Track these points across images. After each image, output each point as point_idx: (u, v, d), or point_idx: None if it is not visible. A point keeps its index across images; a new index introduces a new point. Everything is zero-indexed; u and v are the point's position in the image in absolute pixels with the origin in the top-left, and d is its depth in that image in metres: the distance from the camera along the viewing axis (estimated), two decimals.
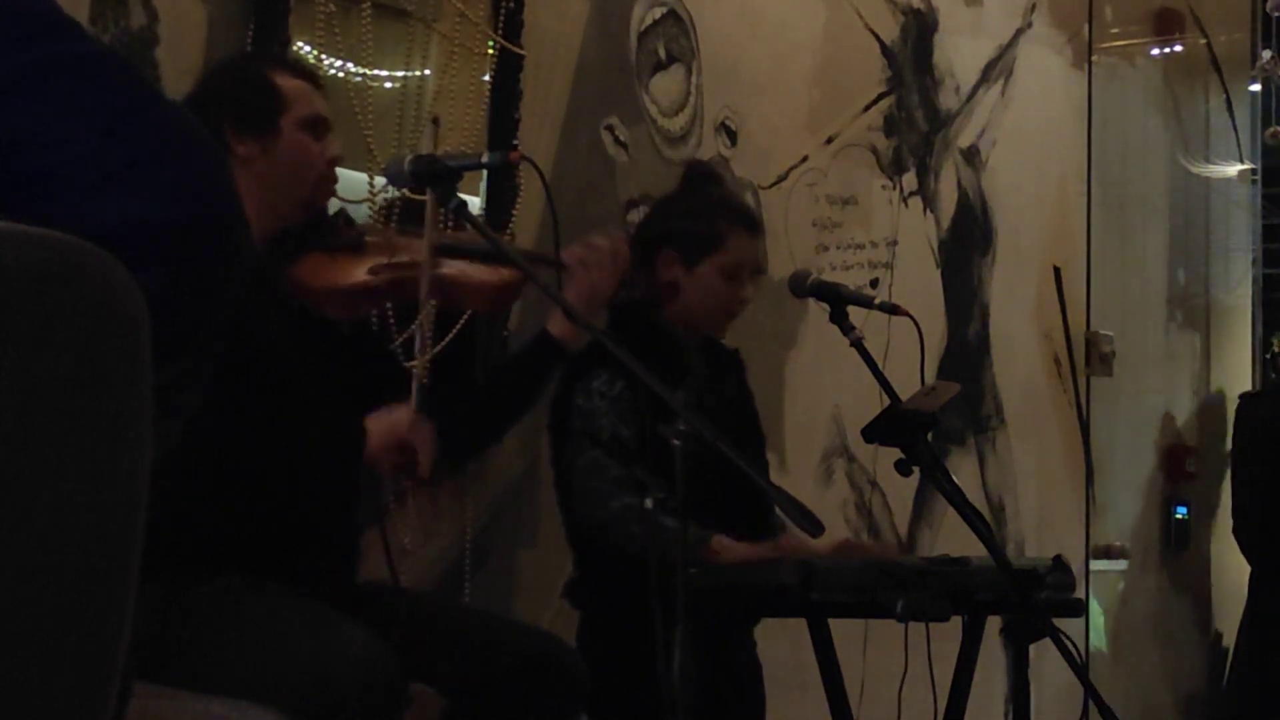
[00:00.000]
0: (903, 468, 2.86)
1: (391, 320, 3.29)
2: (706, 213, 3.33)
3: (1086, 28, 6.15)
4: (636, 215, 4.09)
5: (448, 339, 3.45)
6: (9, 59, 1.14)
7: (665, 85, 4.28)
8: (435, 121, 3.25)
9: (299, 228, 2.74)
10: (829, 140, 4.88)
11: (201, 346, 1.20)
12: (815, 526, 2.56)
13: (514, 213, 3.65)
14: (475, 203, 3.60)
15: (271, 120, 2.71)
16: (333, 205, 3.02)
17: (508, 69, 3.73)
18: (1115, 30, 6.41)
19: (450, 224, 3.03)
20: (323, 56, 3.32)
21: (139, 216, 1.14)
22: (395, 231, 3.05)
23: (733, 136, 4.50)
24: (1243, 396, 6.19)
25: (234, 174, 1.24)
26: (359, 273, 2.73)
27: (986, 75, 5.59)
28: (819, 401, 4.73)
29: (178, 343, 1.15)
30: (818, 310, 3.42)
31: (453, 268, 2.80)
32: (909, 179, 5.20)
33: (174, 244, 1.15)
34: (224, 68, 2.86)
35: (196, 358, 1.20)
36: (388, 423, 2.74)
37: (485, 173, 3.57)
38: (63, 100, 1.15)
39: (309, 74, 2.89)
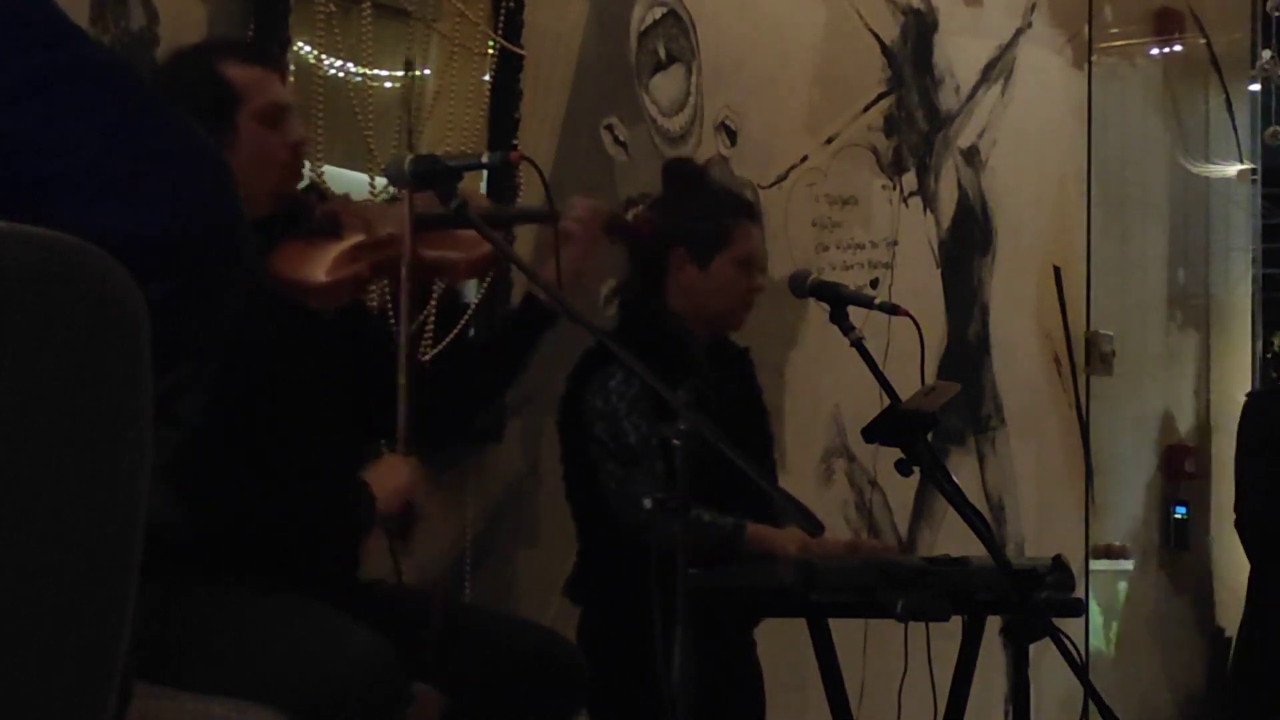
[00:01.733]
0: (903, 468, 2.86)
1: (392, 319, 3.29)
2: (712, 210, 3.36)
3: (1086, 28, 6.15)
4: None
5: (448, 339, 3.45)
6: (10, 63, 1.14)
7: (665, 85, 4.28)
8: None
9: (271, 218, 2.66)
10: (829, 140, 4.88)
11: (203, 352, 1.20)
12: (815, 526, 2.56)
13: None
14: None
15: (227, 117, 2.63)
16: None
17: (508, 69, 3.73)
18: (1115, 30, 6.41)
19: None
20: (323, 56, 3.32)
21: (141, 226, 1.13)
22: (370, 202, 3.02)
23: (733, 136, 4.50)
24: (1250, 395, 6.19)
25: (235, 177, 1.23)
26: (338, 261, 2.69)
27: (986, 75, 5.59)
28: (819, 401, 4.73)
29: (179, 349, 1.15)
30: (818, 310, 3.42)
31: (433, 251, 2.77)
32: (909, 179, 5.20)
33: (176, 254, 1.15)
34: (174, 64, 2.76)
35: (197, 363, 1.20)
36: (394, 480, 2.68)
37: (485, 173, 3.57)
38: (64, 104, 1.14)
39: (263, 58, 2.81)
